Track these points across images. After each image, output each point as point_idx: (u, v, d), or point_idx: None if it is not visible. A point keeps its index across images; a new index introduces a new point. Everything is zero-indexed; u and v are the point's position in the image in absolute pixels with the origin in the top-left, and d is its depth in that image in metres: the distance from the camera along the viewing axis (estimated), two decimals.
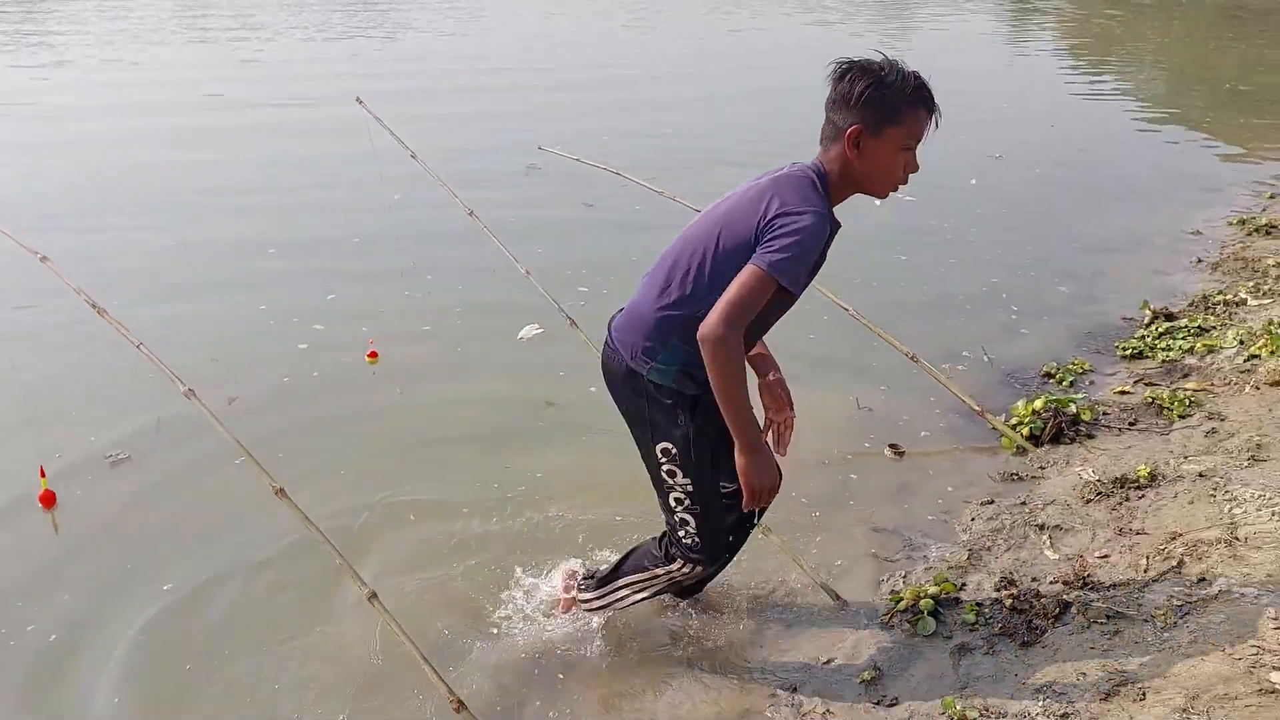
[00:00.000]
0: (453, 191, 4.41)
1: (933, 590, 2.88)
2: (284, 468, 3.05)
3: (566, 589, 2.88)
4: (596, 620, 2.83)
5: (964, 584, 2.98)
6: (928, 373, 4.06)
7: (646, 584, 2.66)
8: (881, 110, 2.22)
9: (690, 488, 2.40)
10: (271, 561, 3.19)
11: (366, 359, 4.54)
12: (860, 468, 3.73)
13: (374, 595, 2.59)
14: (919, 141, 2.30)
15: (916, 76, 2.26)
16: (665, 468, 2.40)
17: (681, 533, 2.47)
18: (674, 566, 2.55)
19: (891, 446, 3.89)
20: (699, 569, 2.56)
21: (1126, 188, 7.44)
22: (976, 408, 3.95)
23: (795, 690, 2.61)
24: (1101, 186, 7.42)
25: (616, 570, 2.73)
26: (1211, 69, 13.10)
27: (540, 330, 4.78)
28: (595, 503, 3.46)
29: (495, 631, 2.87)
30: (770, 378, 2.55)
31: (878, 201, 2.49)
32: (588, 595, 2.80)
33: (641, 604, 2.77)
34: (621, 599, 2.73)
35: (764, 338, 2.52)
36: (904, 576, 3.07)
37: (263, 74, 11.77)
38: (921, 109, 2.26)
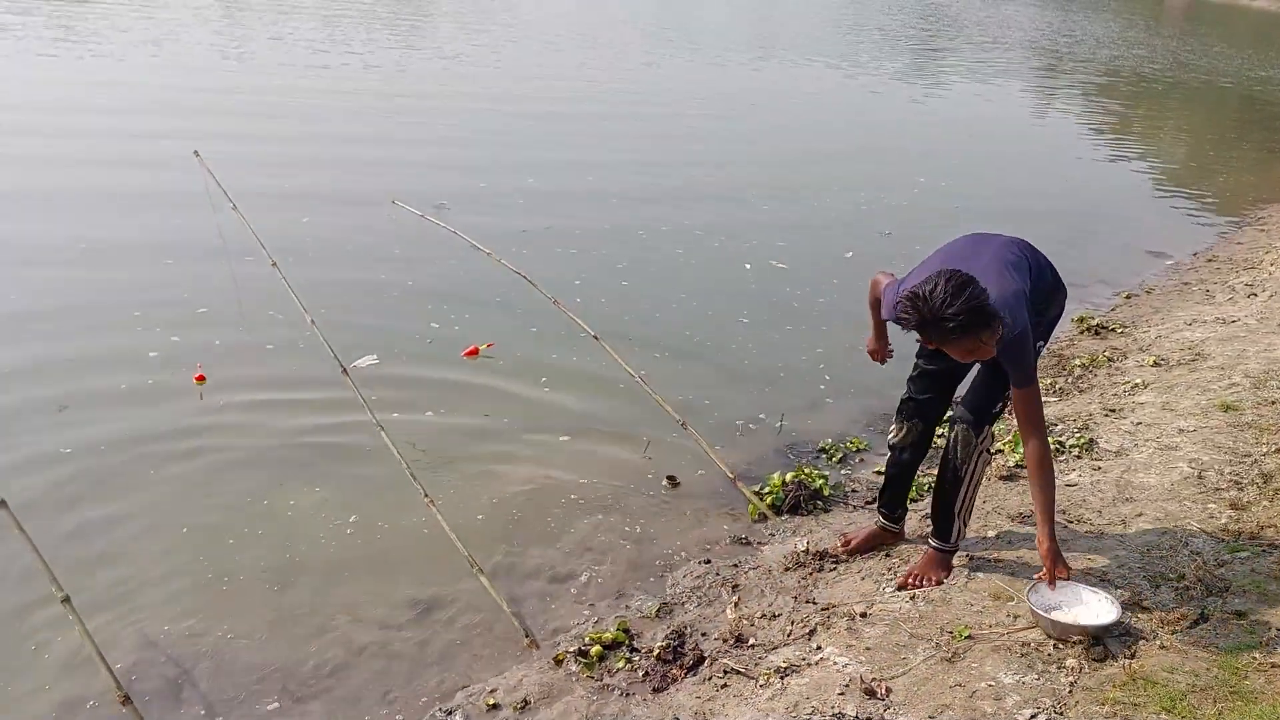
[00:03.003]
0: (262, 243, 4.90)
1: (607, 637, 3.30)
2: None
3: None
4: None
5: (640, 632, 3.40)
6: (695, 439, 4.49)
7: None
8: None
9: None
10: None
11: (195, 381, 4.98)
12: (602, 519, 4.14)
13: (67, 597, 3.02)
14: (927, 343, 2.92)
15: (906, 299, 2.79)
16: None
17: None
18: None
19: (669, 479, 4.43)
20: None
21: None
22: (731, 475, 4.39)
23: (450, 714, 3.03)
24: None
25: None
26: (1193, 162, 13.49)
27: (376, 361, 5.20)
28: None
29: None
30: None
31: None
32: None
33: None
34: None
35: None
36: (595, 621, 3.49)
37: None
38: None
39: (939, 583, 3.41)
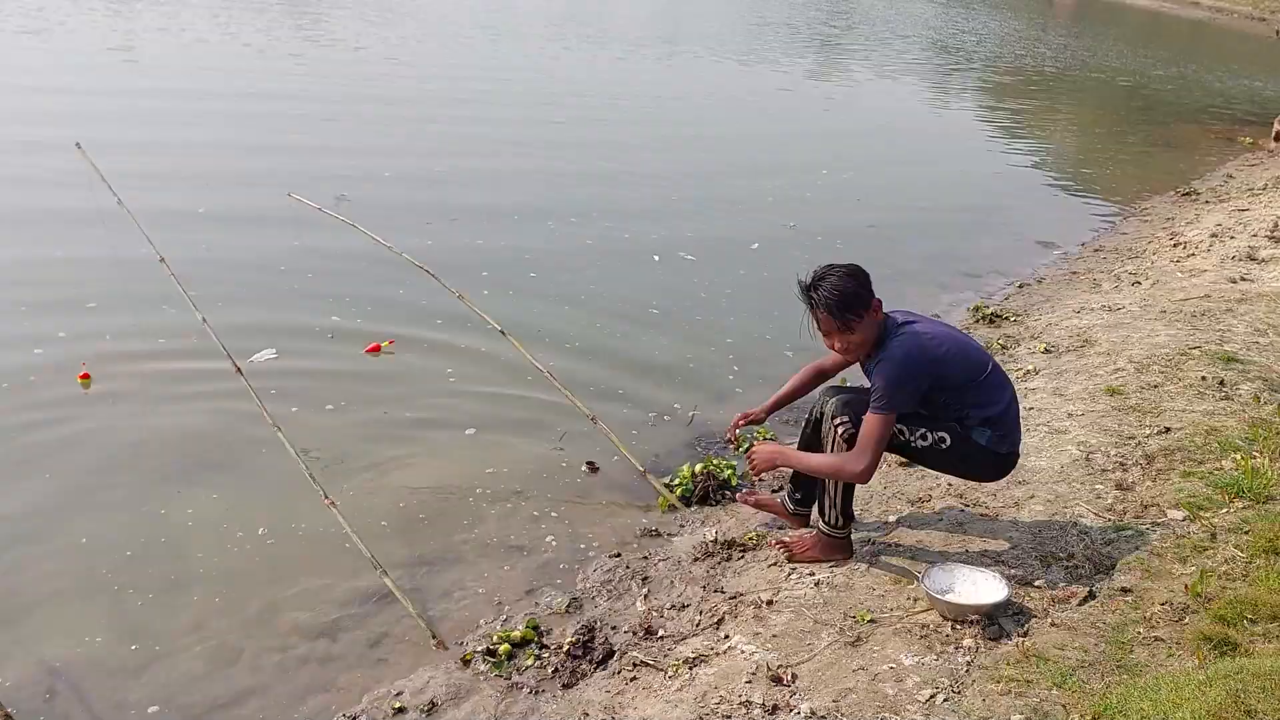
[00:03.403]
0: (149, 237, 4.71)
1: (516, 635, 3.27)
2: None
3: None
4: None
5: (550, 629, 3.39)
6: (604, 434, 4.48)
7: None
8: None
9: None
10: None
11: (79, 380, 4.76)
12: (510, 515, 4.10)
13: None
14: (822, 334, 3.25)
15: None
16: None
17: None
18: None
19: (589, 464, 4.45)
20: None
21: (896, 267, 8.05)
22: (641, 468, 4.40)
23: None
24: (871, 264, 7.80)
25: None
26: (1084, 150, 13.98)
27: (274, 355, 5.04)
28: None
29: None
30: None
31: None
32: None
33: None
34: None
35: None
36: (505, 620, 3.45)
37: None
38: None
39: (817, 560, 3.52)
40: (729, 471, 4.43)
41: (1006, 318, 6.70)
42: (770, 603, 3.28)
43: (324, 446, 4.36)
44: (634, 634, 3.31)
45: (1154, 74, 21.06)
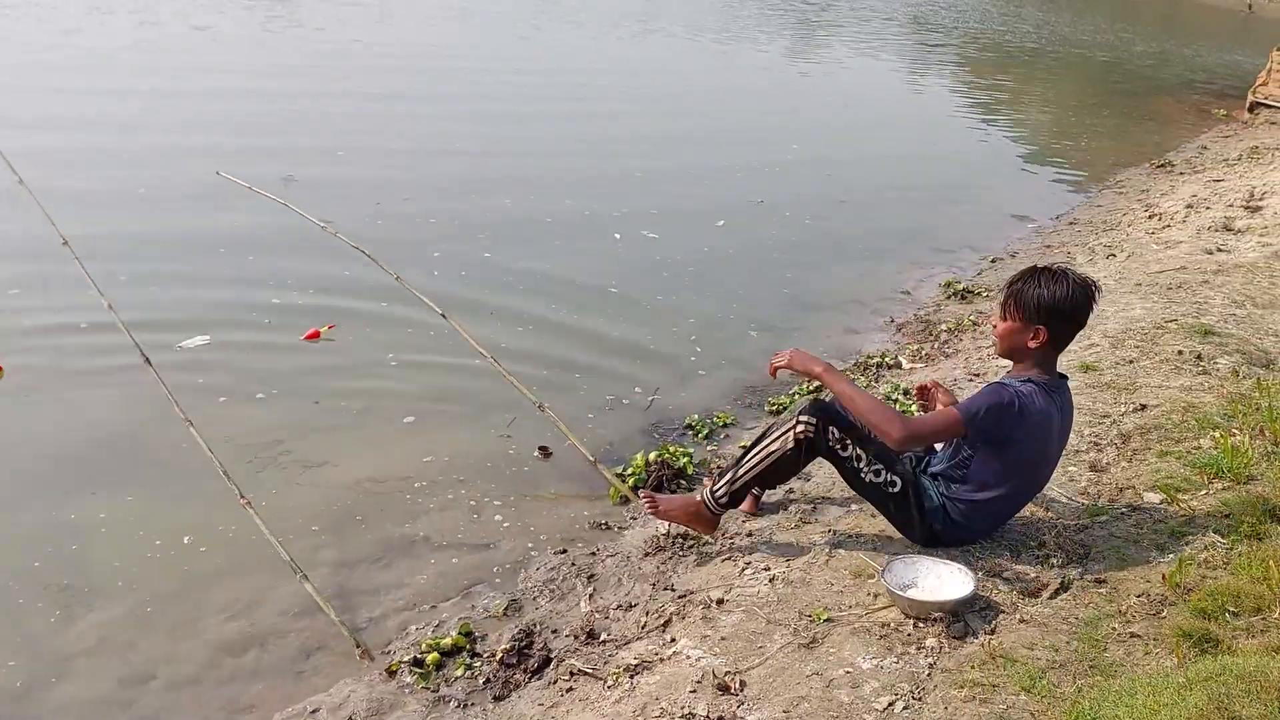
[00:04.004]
0: (52, 220, 4.41)
1: (447, 642, 3.03)
2: None
3: None
4: None
5: (485, 634, 3.14)
6: (552, 422, 4.23)
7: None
8: None
9: None
10: None
11: None
12: (449, 510, 3.85)
13: None
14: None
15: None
16: None
17: None
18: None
19: (541, 449, 4.22)
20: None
21: (867, 243, 7.84)
22: (591, 458, 4.15)
23: None
24: (842, 241, 7.78)
25: None
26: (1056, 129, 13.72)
27: (207, 341, 4.76)
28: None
29: None
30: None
31: None
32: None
33: None
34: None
35: None
36: (437, 626, 3.21)
37: None
38: None
39: (677, 521, 3.42)
40: (685, 460, 4.19)
41: (978, 293, 6.50)
42: (721, 602, 3.05)
43: (251, 439, 4.09)
44: (575, 638, 3.08)
45: (1134, 50, 20.86)
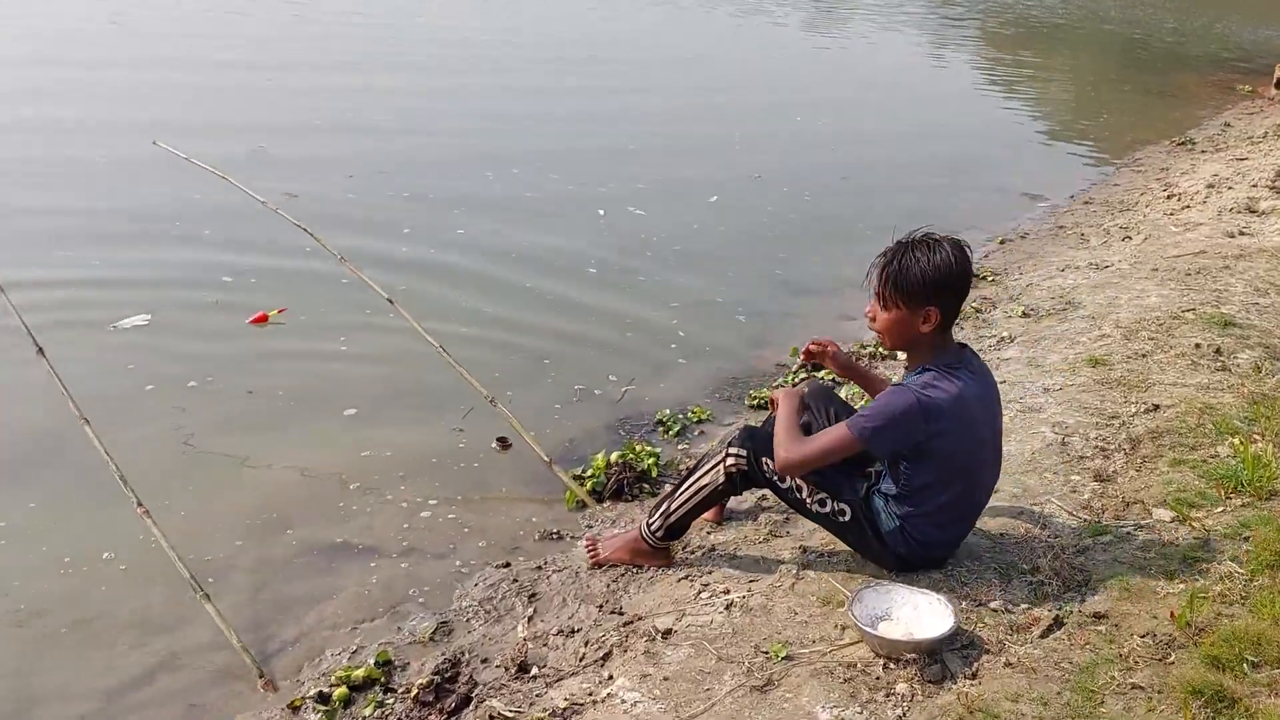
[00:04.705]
0: None
1: (359, 675, 2.70)
2: None
3: None
4: None
5: (406, 663, 2.81)
6: (504, 418, 3.88)
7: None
8: None
9: None
10: None
11: None
12: (384, 516, 3.50)
13: None
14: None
15: None
16: None
17: None
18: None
19: (500, 440, 3.91)
20: None
21: (869, 222, 7.40)
22: (546, 458, 3.79)
23: None
24: (842, 219, 7.36)
25: None
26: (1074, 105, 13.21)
27: (146, 321, 4.42)
28: None
29: None
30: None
31: None
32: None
33: None
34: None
35: None
36: (353, 653, 2.87)
37: None
38: None
39: (625, 562, 3.14)
40: (649, 460, 3.84)
41: (984, 277, 6.08)
42: (668, 633, 2.70)
43: (174, 434, 3.76)
44: (506, 669, 2.74)
45: (1164, 26, 20.10)
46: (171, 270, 5.13)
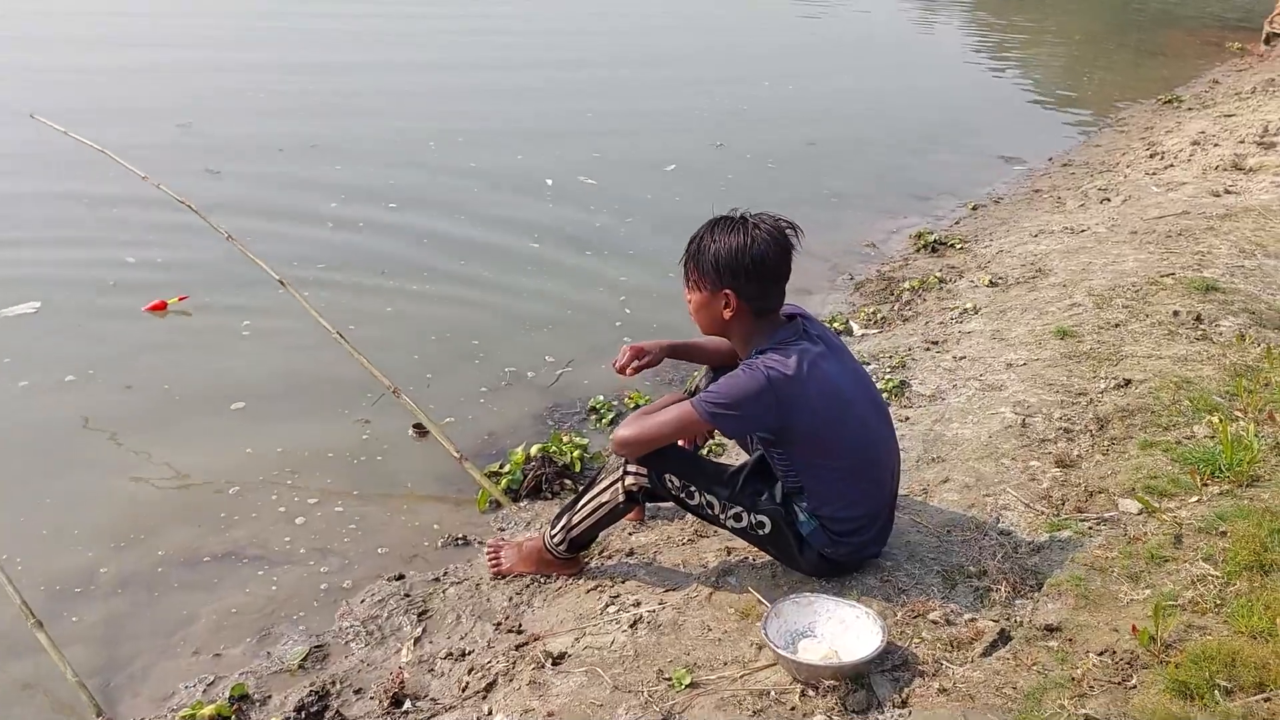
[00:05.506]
0: None
1: (207, 713, 2.36)
2: None
3: None
4: None
5: (267, 696, 2.47)
6: (409, 409, 3.51)
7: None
8: None
9: None
10: None
11: None
12: (266, 522, 3.15)
13: None
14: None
15: None
16: None
17: None
18: None
19: (415, 427, 3.59)
20: None
21: (834, 189, 7.03)
22: (456, 453, 3.43)
23: None
24: (807, 187, 6.95)
25: None
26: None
27: (34, 309, 4.06)
28: None
29: None
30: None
31: None
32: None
33: None
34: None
35: None
36: (210, 684, 2.53)
37: None
38: None
39: (530, 573, 2.82)
40: (574, 453, 3.48)
41: (952, 244, 5.72)
42: (559, 659, 2.36)
43: (42, 434, 3.40)
44: (379, 703, 2.40)
45: None
46: (67, 254, 4.76)
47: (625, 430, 2.48)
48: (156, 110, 7.07)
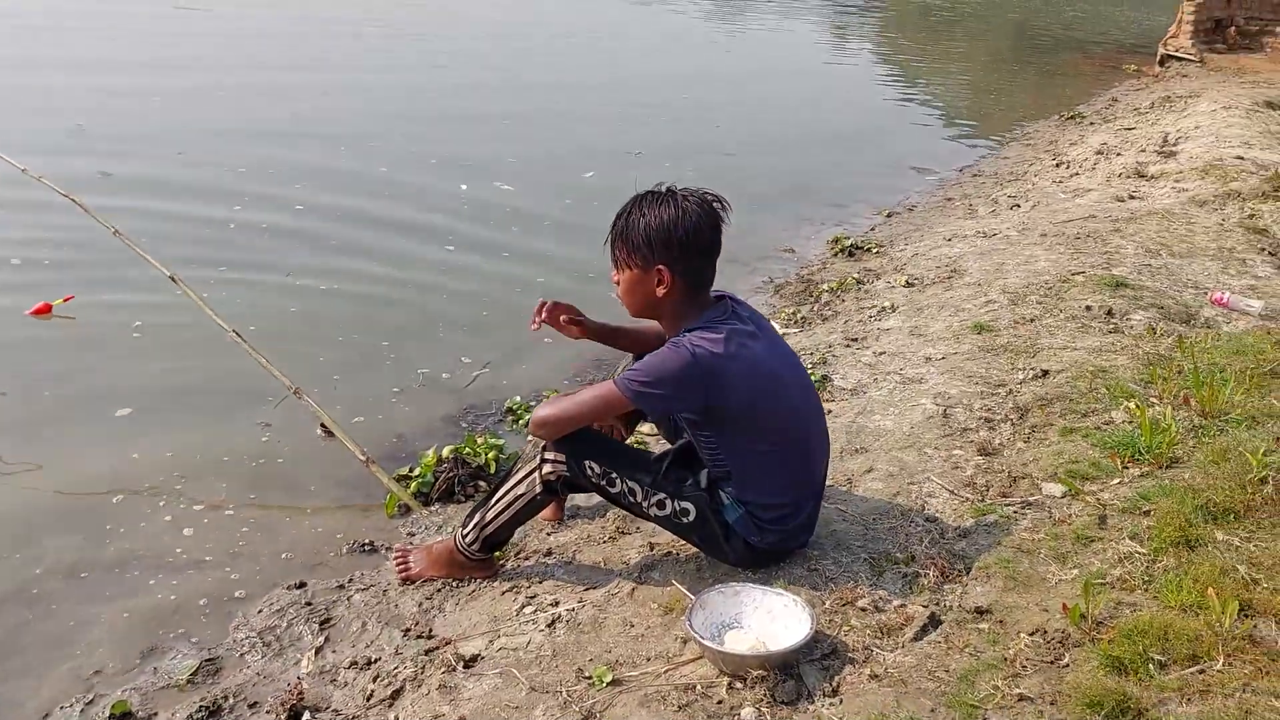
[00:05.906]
0: None
1: None
2: None
3: None
4: None
5: (155, 711, 2.26)
6: (313, 411, 3.33)
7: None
8: None
9: None
10: None
11: None
12: (156, 531, 2.93)
13: None
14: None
15: None
16: None
17: None
18: None
19: (323, 428, 3.35)
20: None
21: (753, 194, 6.99)
22: (362, 456, 3.25)
23: None
24: (726, 193, 6.74)
25: None
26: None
27: None
28: None
29: None
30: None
31: None
32: None
33: None
34: None
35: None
36: (88, 702, 2.31)
37: None
38: None
39: (442, 577, 2.66)
40: (489, 454, 3.33)
41: (868, 249, 5.75)
42: (471, 661, 2.21)
43: None
44: (275, 716, 2.22)
45: (1065, 14, 20.30)
46: None
47: (543, 410, 2.37)
48: (47, 110, 6.72)
